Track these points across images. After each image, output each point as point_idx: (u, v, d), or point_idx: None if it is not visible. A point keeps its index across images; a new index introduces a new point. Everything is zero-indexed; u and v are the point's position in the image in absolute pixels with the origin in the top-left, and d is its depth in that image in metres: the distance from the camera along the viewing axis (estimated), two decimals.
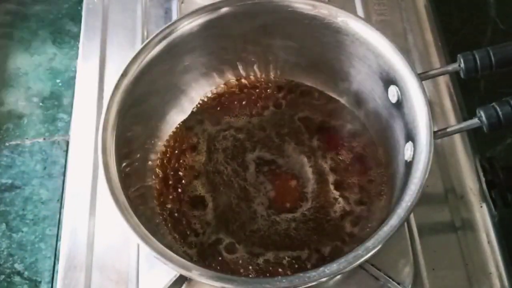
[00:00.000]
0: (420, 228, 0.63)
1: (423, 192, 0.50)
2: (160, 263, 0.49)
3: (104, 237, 0.64)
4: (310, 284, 0.47)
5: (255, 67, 0.69)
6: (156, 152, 0.65)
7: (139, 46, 0.62)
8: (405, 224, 0.62)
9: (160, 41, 0.61)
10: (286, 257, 0.59)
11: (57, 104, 1.18)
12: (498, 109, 0.53)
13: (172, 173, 0.65)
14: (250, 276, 0.57)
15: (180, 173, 0.65)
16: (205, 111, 0.69)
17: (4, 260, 0.99)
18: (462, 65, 0.57)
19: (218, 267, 0.58)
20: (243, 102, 0.69)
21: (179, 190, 0.64)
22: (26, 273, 0.98)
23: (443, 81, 0.73)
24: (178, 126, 0.67)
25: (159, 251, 0.49)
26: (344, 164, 0.65)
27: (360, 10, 0.79)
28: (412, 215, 0.63)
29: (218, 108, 0.69)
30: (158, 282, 0.57)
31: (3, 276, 0.97)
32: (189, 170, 0.65)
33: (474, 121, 0.55)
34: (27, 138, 1.13)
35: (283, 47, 0.67)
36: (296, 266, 0.58)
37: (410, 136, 0.56)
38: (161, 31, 0.61)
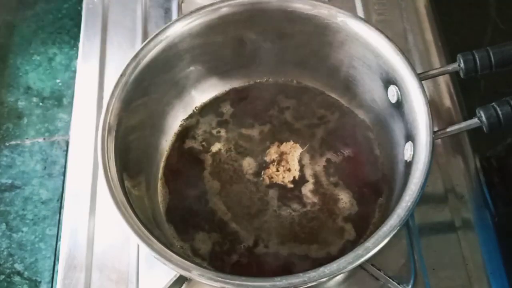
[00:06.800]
0: (420, 228, 0.63)
1: (423, 192, 0.50)
2: (160, 263, 0.49)
3: (104, 237, 0.64)
4: (310, 284, 0.47)
5: (254, 67, 0.69)
6: (156, 151, 0.65)
7: (139, 46, 0.62)
8: (405, 224, 0.61)
9: (160, 41, 0.61)
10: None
11: (57, 104, 1.18)
12: (498, 109, 0.53)
13: (174, 171, 0.65)
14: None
15: (183, 172, 0.65)
16: (206, 111, 0.69)
17: (4, 260, 0.99)
18: (462, 65, 0.57)
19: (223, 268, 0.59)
20: (244, 102, 0.69)
21: (182, 188, 0.64)
22: (26, 273, 0.97)
23: (443, 81, 0.73)
24: (179, 126, 0.67)
25: (159, 251, 0.49)
26: (344, 164, 0.65)
27: (360, 10, 0.79)
28: (412, 215, 0.63)
29: (219, 109, 0.69)
30: (158, 282, 0.58)
31: (3, 276, 0.97)
32: (191, 169, 0.65)
33: (474, 121, 0.55)
34: (27, 138, 1.13)
35: (282, 47, 0.67)
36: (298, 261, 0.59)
37: (410, 136, 0.56)
38: (161, 31, 0.61)
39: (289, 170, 0.64)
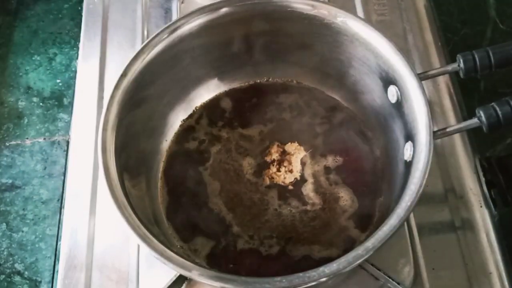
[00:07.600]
0: (420, 228, 0.63)
1: (423, 192, 0.50)
2: (160, 263, 0.49)
3: (104, 237, 0.64)
4: (310, 284, 0.47)
5: (254, 67, 0.69)
6: (157, 151, 0.65)
7: (139, 46, 0.62)
8: (405, 224, 0.62)
9: (160, 41, 0.61)
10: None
11: (57, 104, 1.18)
12: (497, 109, 0.53)
13: (174, 171, 0.65)
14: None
15: (183, 172, 0.65)
16: (206, 111, 0.69)
17: (4, 260, 0.99)
18: (462, 65, 0.57)
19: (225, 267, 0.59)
20: (244, 102, 0.69)
21: (182, 188, 0.64)
22: (26, 273, 0.98)
23: (443, 81, 0.73)
24: (179, 126, 0.68)
25: (159, 251, 0.49)
26: (344, 164, 0.65)
27: (360, 10, 0.79)
28: (412, 215, 0.63)
29: (219, 109, 0.69)
30: (158, 282, 0.58)
31: (3, 276, 0.97)
32: (191, 169, 0.65)
33: (474, 121, 0.55)
34: (27, 138, 1.13)
35: (282, 47, 0.67)
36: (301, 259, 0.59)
37: (409, 136, 0.56)
38: (161, 31, 0.61)
39: (291, 171, 0.64)
